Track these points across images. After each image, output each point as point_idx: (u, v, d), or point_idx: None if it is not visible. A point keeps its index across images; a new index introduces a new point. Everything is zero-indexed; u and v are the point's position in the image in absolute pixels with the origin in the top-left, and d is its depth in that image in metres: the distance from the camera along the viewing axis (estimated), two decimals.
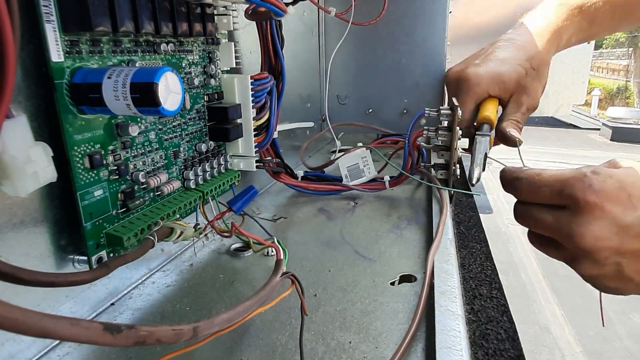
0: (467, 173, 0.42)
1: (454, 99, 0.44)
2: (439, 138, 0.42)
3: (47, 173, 0.19)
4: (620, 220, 0.30)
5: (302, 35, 0.64)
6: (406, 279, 0.31)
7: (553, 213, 0.31)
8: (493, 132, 0.47)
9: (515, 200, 0.32)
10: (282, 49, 0.38)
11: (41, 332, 0.12)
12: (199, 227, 0.29)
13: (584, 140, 4.85)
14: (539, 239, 0.33)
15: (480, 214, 0.42)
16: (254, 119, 0.35)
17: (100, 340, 0.13)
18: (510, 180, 0.32)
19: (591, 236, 0.30)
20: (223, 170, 0.35)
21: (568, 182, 0.30)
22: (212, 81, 0.33)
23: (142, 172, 0.26)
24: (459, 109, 0.39)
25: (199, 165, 0.32)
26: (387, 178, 0.46)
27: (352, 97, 0.72)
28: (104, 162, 0.24)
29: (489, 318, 0.25)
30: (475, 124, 0.49)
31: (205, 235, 0.32)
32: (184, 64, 0.30)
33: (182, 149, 0.30)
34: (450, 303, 0.25)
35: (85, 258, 0.24)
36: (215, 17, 0.32)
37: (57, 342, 0.24)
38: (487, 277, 0.29)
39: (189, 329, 0.16)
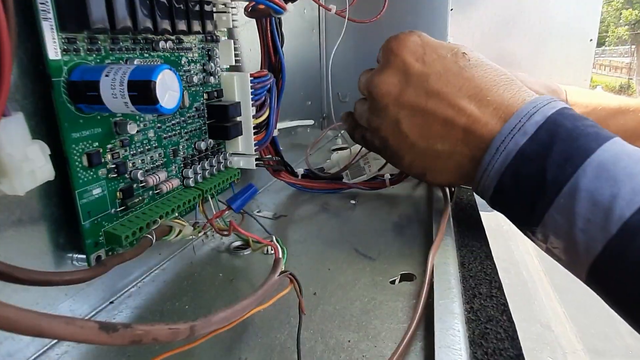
0: None
1: None
2: None
3: (45, 171, 0.19)
4: (407, 69, 0.32)
5: (303, 33, 0.64)
6: (406, 277, 0.31)
7: (367, 73, 0.35)
8: None
9: None
10: (282, 47, 0.38)
11: (36, 331, 0.12)
12: (198, 225, 0.29)
13: None
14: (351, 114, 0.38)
15: (480, 212, 0.41)
16: (253, 116, 0.35)
17: (96, 340, 0.13)
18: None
19: (379, 80, 0.33)
20: (222, 169, 0.35)
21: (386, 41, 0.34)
22: (212, 79, 0.33)
23: (141, 171, 0.26)
24: None
25: (199, 164, 0.32)
26: (387, 176, 0.46)
27: (353, 95, 0.72)
28: (102, 160, 0.24)
29: (489, 317, 0.25)
30: None
31: (205, 233, 0.31)
32: (182, 62, 0.30)
33: (181, 147, 0.30)
34: (449, 302, 0.25)
35: (83, 256, 0.24)
36: (215, 15, 0.32)
37: (56, 340, 0.24)
38: (487, 276, 0.29)
39: (186, 327, 0.16)
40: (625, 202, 0.22)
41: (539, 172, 0.25)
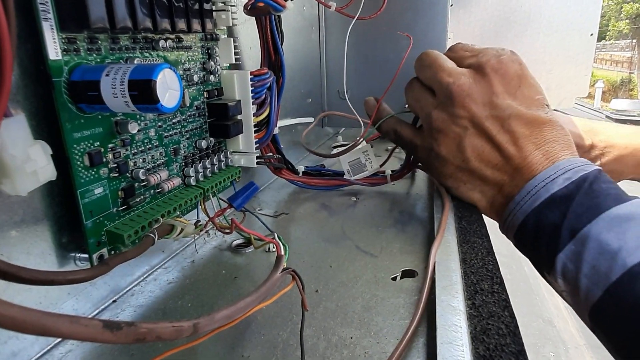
0: None
1: None
2: None
3: (47, 171, 0.19)
4: (496, 96, 0.33)
5: (302, 31, 0.64)
6: (408, 274, 0.31)
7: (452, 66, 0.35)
8: None
9: None
10: (281, 45, 0.38)
11: (40, 330, 0.12)
12: (199, 223, 0.29)
13: None
14: (417, 87, 0.38)
15: None
16: (254, 115, 0.35)
17: (100, 338, 0.13)
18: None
19: (467, 90, 0.33)
20: (224, 167, 0.35)
21: (485, 49, 0.35)
22: (212, 77, 0.33)
23: (142, 170, 0.26)
24: None
25: (200, 162, 0.32)
26: (388, 172, 0.46)
27: (353, 92, 0.72)
28: (104, 160, 0.24)
29: (490, 313, 0.25)
30: None
31: (207, 231, 0.32)
32: (183, 61, 0.30)
33: (182, 145, 0.30)
34: (451, 298, 0.25)
35: (86, 256, 0.24)
36: (214, 13, 0.32)
37: (60, 340, 0.24)
38: (489, 272, 0.29)
39: (189, 325, 0.16)
40: (629, 253, 0.24)
41: (559, 218, 0.28)
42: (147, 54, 0.27)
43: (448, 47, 0.39)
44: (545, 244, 0.29)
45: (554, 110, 0.35)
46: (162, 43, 0.27)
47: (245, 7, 0.35)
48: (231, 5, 0.33)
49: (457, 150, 0.34)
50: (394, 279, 0.30)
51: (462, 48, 0.37)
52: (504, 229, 0.33)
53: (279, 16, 0.37)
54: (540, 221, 0.29)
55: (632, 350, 0.23)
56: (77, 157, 0.22)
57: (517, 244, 0.32)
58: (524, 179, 0.31)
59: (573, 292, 0.27)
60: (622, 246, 0.25)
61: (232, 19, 0.33)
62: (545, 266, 0.29)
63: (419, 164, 0.47)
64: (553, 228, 0.28)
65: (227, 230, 0.30)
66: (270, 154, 0.42)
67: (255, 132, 0.35)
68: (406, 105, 0.41)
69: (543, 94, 0.34)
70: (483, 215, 0.40)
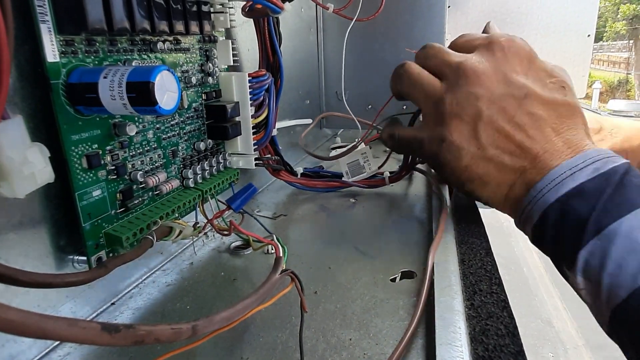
0: None
1: None
2: None
3: (45, 174, 0.19)
4: (511, 74, 0.31)
5: (300, 32, 0.64)
6: (406, 275, 0.31)
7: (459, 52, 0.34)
8: None
9: None
10: (279, 46, 0.38)
11: (39, 333, 0.12)
12: (198, 225, 0.29)
13: None
14: (416, 72, 0.35)
15: (480, 209, 0.42)
16: (252, 116, 0.35)
17: (99, 340, 0.13)
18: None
19: (482, 68, 0.31)
20: (222, 169, 0.35)
21: (493, 33, 0.34)
22: (210, 79, 0.33)
23: (141, 172, 0.26)
24: None
25: (198, 164, 0.32)
26: (387, 174, 0.46)
27: (351, 94, 0.72)
28: (102, 162, 0.24)
29: (489, 314, 0.25)
30: None
31: (205, 233, 0.32)
32: (181, 63, 0.30)
33: (180, 147, 0.30)
34: (450, 299, 0.25)
35: (84, 258, 0.24)
36: (212, 15, 0.32)
37: (58, 342, 0.24)
38: (487, 273, 0.29)
39: (188, 327, 0.16)
40: None
41: (587, 211, 0.26)
42: (145, 56, 0.27)
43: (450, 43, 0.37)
44: (568, 237, 0.26)
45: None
46: (160, 45, 0.27)
47: (243, 9, 0.35)
48: (229, 7, 0.33)
49: (473, 137, 0.31)
50: (393, 280, 0.30)
51: (466, 36, 0.35)
52: (520, 221, 0.31)
53: (277, 18, 0.37)
54: (566, 212, 0.27)
55: None
56: (75, 159, 0.22)
57: (535, 237, 0.29)
58: (549, 166, 0.29)
59: (594, 291, 0.25)
60: None
61: (230, 20, 0.33)
62: (565, 261, 0.27)
63: (419, 165, 0.47)
64: (579, 221, 0.26)
65: (226, 232, 0.30)
66: (269, 155, 0.42)
67: (253, 134, 0.35)
68: (404, 107, 0.40)
69: (560, 76, 0.32)
70: (482, 216, 0.40)
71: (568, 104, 0.31)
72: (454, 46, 0.36)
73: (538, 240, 0.29)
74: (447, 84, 0.32)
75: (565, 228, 0.26)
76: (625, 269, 0.23)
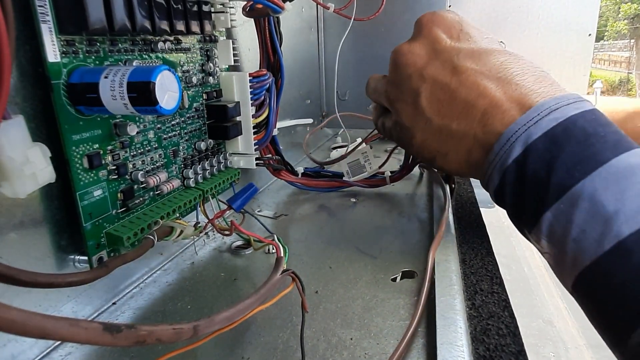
0: None
1: None
2: None
3: (46, 174, 0.19)
4: (437, 42, 0.31)
5: (301, 32, 0.64)
6: (407, 274, 0.31)
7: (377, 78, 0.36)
8: None
9: None
10: (280, 46, 0.38)
11: (40, 333, 0.12)
12: (199, 225, 0.29)
13: None
14: (372, 81, 0.38)
15: (481, 209, 0.42)
16: (253, 116, 0.35)
17: (100, 341, 0.13)
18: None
19: (407, 49, 0.32)
20: (223, 169, 0.35)
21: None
22: (211, 79, 0.33)
23: (142, 172, 0.26)
24: None
25: (199, 164, 0.32)
26: (388, 173, 0.46)
27: (352, 93, 0.72)
28: (103, 162, 0.24)
29: (490, 313, 0.25)
30: None
31: (206, 233, 0.32)
32: (181, 62, 0.30)
33: (181, 147, 0.30)
34: (451, 299, 0.25)
35: (85, 258, 0.24)
36: (213, 15, 0.32)
37: (59, 342, 0.24)
38: (488, 273, 0.29)
39: (189, 327, 0.16)
40: (626, 220, 0.20)
41: (546, 171, 0.24)
42: (146, 56, 0.27)
43: None
44: (529, 200, 0.24)
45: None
46: (160, 45, 0.27)
47: (243, 8, 0.35)
48: (230, 7, 0.33)
49: (418, 113, 0.31)
50: (394, 279, 0.30)
51: None
52: (485, 185, 0.29)
53: (278, 17, 0.37)
54: (523, 175, 0.25)
55: (612, 327, 0.21)
56: (76, 159, 0.22)
57: (497, 199, 0.28)
58: (502, 124, 0.26)
59: (558, 256, 0.23)
60: (619, 209, 0.21)
61: (231, 20, 0.33)
62: (527, 224, 0.25)
63: (418, 164, 0.47)
64: (537, 183, 0.24)
65: (227, 232, 0.30)
66: (270, 155, 0.42)
67: (254, 134, 0.35)
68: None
69: (493, 36, 0.31)
70: (482, 216, 0.40)
71: (512, 55, 0.29)
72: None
73: (500, 202, 0.28)
74: (386, 76, 0.35)
75: (525, 191, 0.25)
76: (588, 235, 0.22)
